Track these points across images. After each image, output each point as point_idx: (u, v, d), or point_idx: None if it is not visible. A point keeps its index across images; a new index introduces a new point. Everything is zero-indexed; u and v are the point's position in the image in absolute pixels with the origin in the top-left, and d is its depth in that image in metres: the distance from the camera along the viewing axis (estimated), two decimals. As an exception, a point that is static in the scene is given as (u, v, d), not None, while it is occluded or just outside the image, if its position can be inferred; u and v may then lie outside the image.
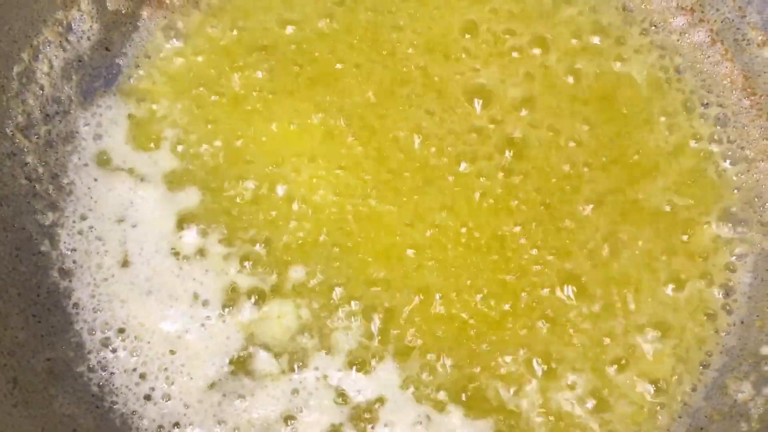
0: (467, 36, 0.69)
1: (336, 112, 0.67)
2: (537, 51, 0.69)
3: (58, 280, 0.63)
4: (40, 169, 0.65)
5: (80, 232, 0.64)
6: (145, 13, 0.71)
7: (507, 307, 0.61)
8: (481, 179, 0.64)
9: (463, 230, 0.63)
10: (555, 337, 0.61)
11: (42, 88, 0.66)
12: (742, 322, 0.62)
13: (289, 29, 0.70)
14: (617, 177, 0.65)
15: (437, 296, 0.61)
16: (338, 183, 0.65)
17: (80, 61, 0.68)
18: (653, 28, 0.70)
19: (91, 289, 0.63)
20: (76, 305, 0.62)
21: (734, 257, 0.63)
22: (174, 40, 0.71)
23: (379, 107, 0.67)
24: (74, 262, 0.63)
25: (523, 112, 0.67)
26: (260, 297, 0.62)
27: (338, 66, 0.68)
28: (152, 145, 0.67)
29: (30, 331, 0.59)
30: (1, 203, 0.62)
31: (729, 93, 0.68)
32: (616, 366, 0.60)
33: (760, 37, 0.66)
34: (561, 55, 0.68)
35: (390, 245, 0.63)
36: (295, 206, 0.64)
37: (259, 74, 0.69)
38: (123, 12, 0.70)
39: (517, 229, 0.63)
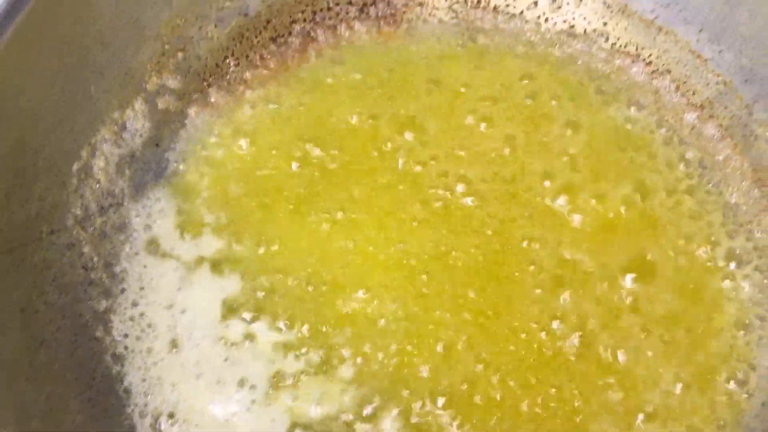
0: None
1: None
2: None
3: (111, 364, 0.66)
4: (95, 259, 0.69)
5: (132, 318, 0.68)
6: (192, 112, 0.77)
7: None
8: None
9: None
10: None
11: (98, 182, 0.71)
12: (763, 404, 0.65)
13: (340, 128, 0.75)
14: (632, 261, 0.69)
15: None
16: (387, 292, 0.68)
17: (133, 156, 0.73)
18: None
19: (142, 374, 0.66)
20: (127, 390, 0.65)
21: (751, 341, 0.67)
22: (219, 135, 0.76)
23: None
24: (126, 347, 0.67)
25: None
26: (305, 379, 0.65)
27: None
28: (198, 233, 0.71)
29: (87, 414, 0.62)
30: (61, 292, 0.66)
31: (740, 184, 0.73)
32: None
33: (767, 134, 0.71)
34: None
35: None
36: (342, 306, 0.68)
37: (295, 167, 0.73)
38: (172, 111, 0.76)
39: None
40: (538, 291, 0.67)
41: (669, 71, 0.77)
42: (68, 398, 0.62)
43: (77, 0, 0.65)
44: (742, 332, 0.67)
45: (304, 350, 0.66)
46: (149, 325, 0.68)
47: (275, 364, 0.66)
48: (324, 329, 0.67)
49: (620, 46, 0.79)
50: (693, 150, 0.74)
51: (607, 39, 0.79)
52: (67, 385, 0.63)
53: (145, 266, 0.70)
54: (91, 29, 0.67)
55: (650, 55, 0.78)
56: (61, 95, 0.66)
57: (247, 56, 0.80)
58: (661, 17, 0.76)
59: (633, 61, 0.78)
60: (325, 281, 0.69)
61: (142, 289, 0.69)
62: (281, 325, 0.67)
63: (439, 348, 0.65)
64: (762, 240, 0.70)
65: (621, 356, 0.65)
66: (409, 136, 0.74)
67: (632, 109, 0.76)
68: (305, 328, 0.67)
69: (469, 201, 0.71)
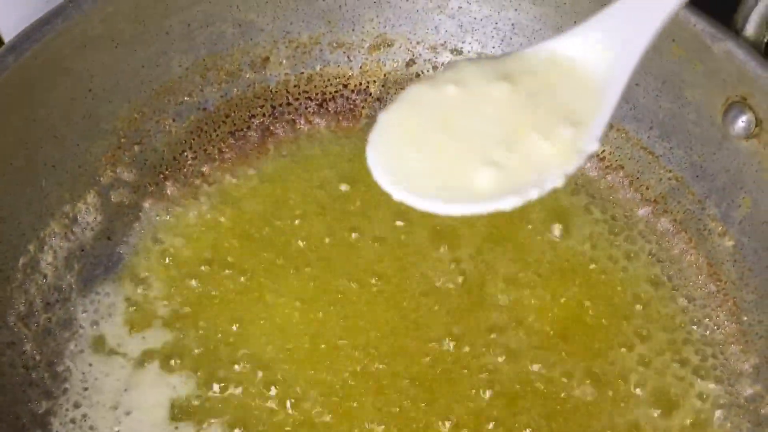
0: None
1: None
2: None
3: (48, 471, 0.62)
4: (37, 357, 0.66)
5: (73, 421, 0.65)
6: (147, 204, 0.76)
7: None
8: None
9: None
10: None
11: (45, 277, 0.69)
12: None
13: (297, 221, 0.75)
14: (585, 354, 0.68)
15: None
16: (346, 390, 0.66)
17: (83, 250, 0.72)
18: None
19: (80, 481, 0.62)
20: (64, 498, 0.61)
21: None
22: (173, 228, 0.75)
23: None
24: (65, 452, 0.63)
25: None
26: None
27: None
28: (148, 328, 0.69)
29: None
30: (-3, 393, 0.63)
31: (695, 278, 0.73)
32: None
33: (719, 228, 0.72)
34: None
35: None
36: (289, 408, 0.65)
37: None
38: (126, 203, 0.75)
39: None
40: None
41: (622, 167, 0.78)
42: None
43: (29, 96, 0.65)
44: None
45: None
46: (91, 428, 0.64)
47: (225, 471, 0.63)
48: None
49: (575, 141, 0.80)
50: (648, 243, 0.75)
51: (561, 135, 0.81)
52: (-2, 495, 0.59)
53: (90, 364, 0.68)
54: (44, 124, 0.67)
55: (603, 152, 0.79)
56: (9, 189, 0.65)
57: (205, 150, 0.80)
58: (612, 115, 0.77)
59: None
60: (286, 381, 0.66)
61: (85, 389, 0.66)
62: (236, 429, 0.64)
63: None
64: (718, 335, 0.70)
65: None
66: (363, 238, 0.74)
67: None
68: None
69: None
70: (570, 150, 0.46)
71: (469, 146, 0.46)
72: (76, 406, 0.65)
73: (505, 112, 0.47)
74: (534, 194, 0.45)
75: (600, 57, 0.49)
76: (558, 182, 0.45)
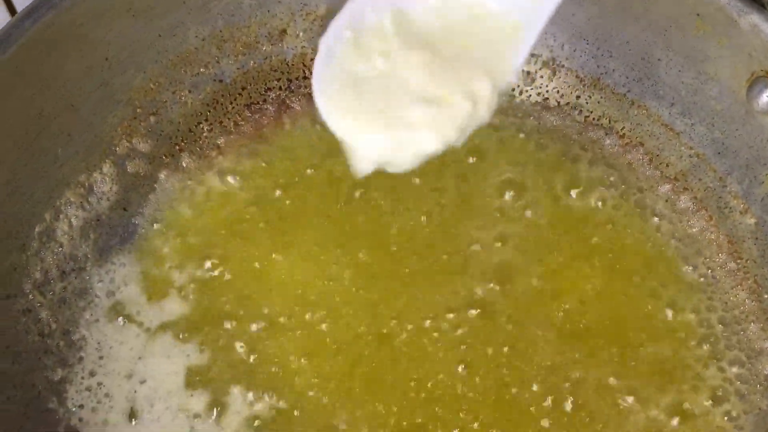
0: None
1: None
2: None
3: (64, 438, 0.62)
4: (53, 325, 0.66)
5: (88, 389, 0.65)
6: (162, 176, 0.75)
7: None
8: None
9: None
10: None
11: (61, 246, 0.69)
12: None
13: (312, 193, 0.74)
14: (612, 335, 0.67)
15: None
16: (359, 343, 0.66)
17: (98, 220, 0.72)
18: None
19: (95, 448, 0.62)
20: (79, 465, 0.62)
21: (730, 418, 0.65)
22: (188, 200, 0.74)
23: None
24: (80, 419, 0.64)
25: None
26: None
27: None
28: (164, 298, 0.69)
29: (33, 492, 0.59)
30: (13, 361, 0.63)
31: (716, 256, 0.72)
32: None
33: (741, 206, 0.71)
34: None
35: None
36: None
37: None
38: (142, 174, 0.74)
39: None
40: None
41: (642, 144, 0.77)
42: (14, 475, 0.58)
43: (44, 65, 0.64)
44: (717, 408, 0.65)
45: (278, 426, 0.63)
46: (106, 395, 0.65)
47: (243, 439, 0.63)
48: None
49: (594, 119, 0.79)
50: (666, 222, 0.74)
51: (580, 112, 0.80)
52: (14, 460, 0.59)
53: (105, 334, 0.68)
54: (60, 92, 0.66)
55: (623, 128, 0.78)
56: (25, 157, 0.65)
57: (221, 122, 0.79)
58: (633, 91, 0.77)
59: (606, 134, 0.79)
60: (303, 347, 0.66)
61: (101, 358, 0.66)
62: (253, 396, 0.64)
63: None
64: (738, 313, 0.69)
65: None
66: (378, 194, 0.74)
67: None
68: (281, 401, 0.64)
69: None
70: (491, 97, 0.50)
71: (400, 104, 0.50)
72: (92, 374, 0.66)
73: (428, 79, 0.50)
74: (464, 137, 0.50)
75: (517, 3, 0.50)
76: (485, 118, 0.50)
